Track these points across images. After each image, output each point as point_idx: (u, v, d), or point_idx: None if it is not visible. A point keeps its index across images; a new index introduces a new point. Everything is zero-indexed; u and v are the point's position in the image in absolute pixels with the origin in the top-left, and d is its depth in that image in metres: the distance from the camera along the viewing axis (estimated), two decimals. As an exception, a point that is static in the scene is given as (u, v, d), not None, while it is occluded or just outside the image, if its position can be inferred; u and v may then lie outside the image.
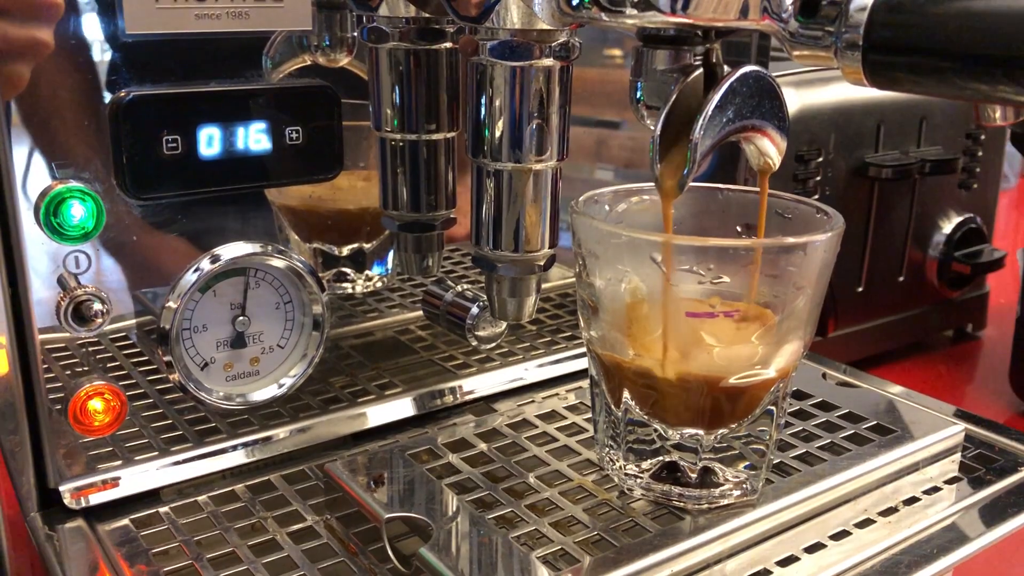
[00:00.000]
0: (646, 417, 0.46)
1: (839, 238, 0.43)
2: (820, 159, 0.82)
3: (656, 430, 0.46)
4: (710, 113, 0.38)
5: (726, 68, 0.42)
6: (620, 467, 0.48)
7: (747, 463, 0.47)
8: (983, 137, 0.94)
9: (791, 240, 0.43)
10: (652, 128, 0.42)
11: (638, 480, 0.48)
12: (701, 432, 0.46)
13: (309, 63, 0.53)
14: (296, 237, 0.55)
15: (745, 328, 0.43)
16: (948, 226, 0.94)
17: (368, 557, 0.46)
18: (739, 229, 0.49)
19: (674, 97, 0.42)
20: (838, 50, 0.35)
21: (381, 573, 0.44)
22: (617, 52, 0.66)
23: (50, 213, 0.45)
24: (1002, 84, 0.32)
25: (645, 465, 0.47)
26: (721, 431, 0.46)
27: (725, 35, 0.43)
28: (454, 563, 0.42)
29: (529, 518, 0.47)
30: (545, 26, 0.41)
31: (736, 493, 0.47)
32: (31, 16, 0.43)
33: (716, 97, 0.38)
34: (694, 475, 0.47)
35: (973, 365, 0.98)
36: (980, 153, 0.94)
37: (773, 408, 0.45)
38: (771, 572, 0.45)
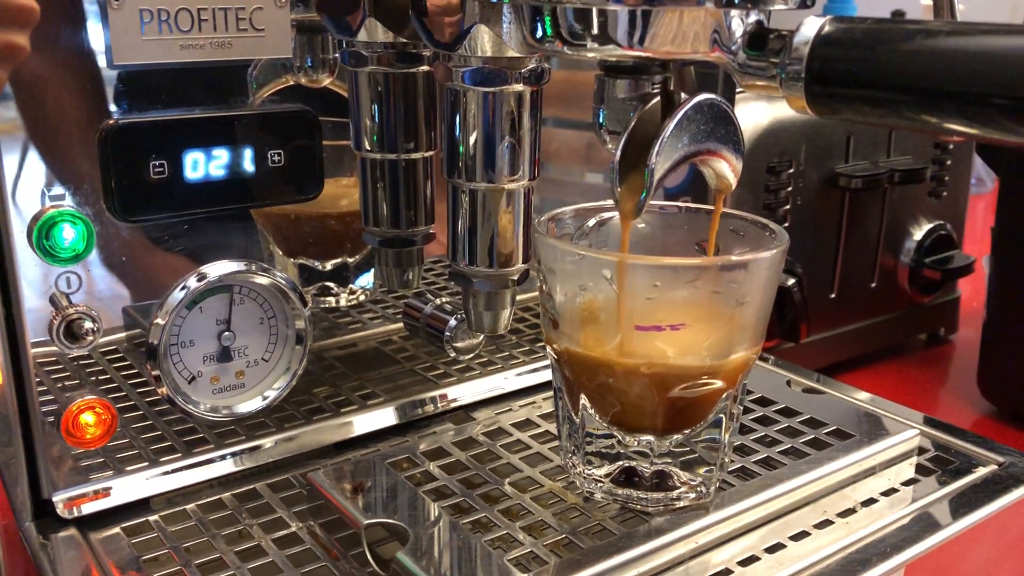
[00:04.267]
0: (604, 424, 0.48)
1: (782, 255, 0.46)
2: (791, 170, 0.84)
3: (614, 436, 0.49)
4: (665, 140, 0.41)
5: (683, 95, 0.44)
6: (581, 472, 0.51)
7: (702, 468, 0.49)
8: (951, 147, 0.96)
9: (735, 259, 0.46)
10: (613, 153, 0.44)
11: (599, 485, 0.50)
12: (653, 438, 0.48)
13: (292, 84, 0.55)
14: (280, 253, 0.57)
15: (694, 338, 0.46)
16: (919, 233, 0.97)
17: (349, 561, 0.48)
18: (696, 247, 0.51)
19: (633, 124, 0.44)
20: (782, 81, 0.38)
21: (361, 576, 0.47)
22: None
23: (42, 236, 0.47)
24: (952, 117, 0.34)
25: (605, 470, 0.50)
26: (676, 437, 0.48)
27: (682, 66, 0.45)
28: (429, 566, 0.44)
29: (502, 522, 0.49)
30: (514, 53, 0.44)
31: (691, 496, 0.49)
32: (7, 21, 0.44)
33: (671, 125, 0.41)
34: (649, 479, 0.49)
35: (945, 368, 1.00)
36: (949, 162, 0.97)
37: (723, 416, 0.48)
38: (732, 572, 0.47)
